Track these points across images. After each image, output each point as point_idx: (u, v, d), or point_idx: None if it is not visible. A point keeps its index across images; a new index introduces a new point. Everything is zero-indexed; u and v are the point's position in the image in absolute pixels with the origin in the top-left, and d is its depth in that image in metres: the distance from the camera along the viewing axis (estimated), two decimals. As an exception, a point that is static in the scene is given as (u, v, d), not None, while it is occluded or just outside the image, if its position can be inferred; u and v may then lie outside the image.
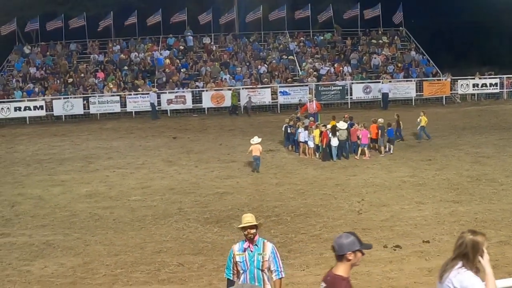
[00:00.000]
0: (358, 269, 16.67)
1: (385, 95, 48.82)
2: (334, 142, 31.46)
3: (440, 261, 16.75)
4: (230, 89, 49.72)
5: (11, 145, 39.18)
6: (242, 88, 49.54)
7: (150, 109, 47.79)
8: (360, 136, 31.88)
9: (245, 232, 10.87)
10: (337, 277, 7.71)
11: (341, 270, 7.74)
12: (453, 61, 59.29)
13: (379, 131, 32.59)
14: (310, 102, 41.09)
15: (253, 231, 10.82)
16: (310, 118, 35.92)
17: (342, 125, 31.95)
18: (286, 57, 55.39)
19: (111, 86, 50.37)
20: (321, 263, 17.49)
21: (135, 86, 50.84)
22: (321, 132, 31.80)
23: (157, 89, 48.97)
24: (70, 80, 51.56)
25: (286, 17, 58.95)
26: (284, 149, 34.30)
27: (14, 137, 42.13)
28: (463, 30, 63.94)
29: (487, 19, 62.84)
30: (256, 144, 29.97)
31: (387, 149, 32.68)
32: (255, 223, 10.88)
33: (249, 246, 10.90)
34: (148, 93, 48.77)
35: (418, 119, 35.74)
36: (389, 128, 33.12)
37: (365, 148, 31.87)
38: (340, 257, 7.72)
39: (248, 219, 10.90)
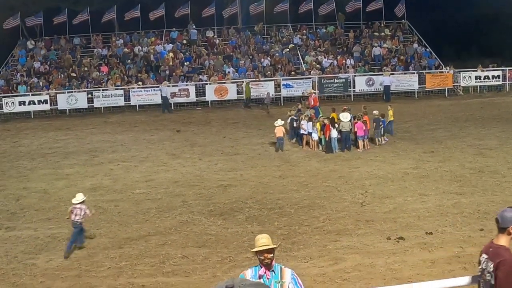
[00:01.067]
0: (361, 260, 16.95)
1: (386, 88, 48.90)
2: (333, 133, 31.60)
3: (443, 252, 17.08)
4: (234, 82, 49.94)
5: (16, 139, 39.31)
6: (247, 82, 49.56)
7: (162, 102, 48.01)
8: (355, 129, 31.96)
9: (261, 257, 9.26)
10: (500, 246, 8.13)
11: (503, 241, 8.17)
12: (456, 54, 59.32)
13: (374, 123, 32.66)
14: (309, 96, 41.57)
15: (270, 255, 9.22)
16: (311, 110, 36.18)
17: (345, 116, 31.96)
18: (287, 49, 55.47)
19: (112, 82, 50.36)
20: (324, 255, 17.67)
21: (138, 79, 50.89)
22: (324, 125, 31.88)
23: (167, 82, 49.00)
24: (74, 74, 51.67)
25: (289, 10, 58.93)
26: (287, 142, 34.29)
27: (18, 131, 42.29)
28: (466, 23, 63.80)
29: (489, 11, 62.76)
30: (279, 126, 32.03)
31: (383, 141, 32.86)
32: (272, 245, 9.36)
33: (265, 273, 9.27)
34: (152, 87, 49.14)
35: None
36: (382, 119, 33.16)
37: (360, 140, 31.87)
38: (503, 230, 8.16)
39: (264, 240, 9.34)
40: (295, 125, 34.32)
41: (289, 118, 35.33)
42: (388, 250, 17.83)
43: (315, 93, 44.25)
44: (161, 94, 48.14)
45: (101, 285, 16.42)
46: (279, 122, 32.81)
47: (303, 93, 47.99)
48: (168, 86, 48.72)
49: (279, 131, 32.42)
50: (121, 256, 18.42)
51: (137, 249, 18.97)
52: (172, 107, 48.52)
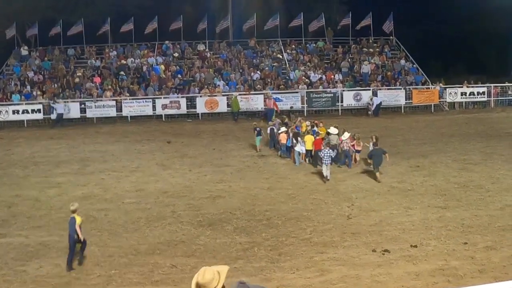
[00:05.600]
0: (347, 272, 17.24)
1: (377, 106, 49.17)
2: (297, 147, 32.37)
3: (427, 265, 17.42)
4: (224, 95, 50.37)
5: (8, 147, 39.30)
6: (239, 95, 49.83)
7: (56, 118, 47.76)
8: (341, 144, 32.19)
9: None
10: None
11: None
12: (442, 70, 59.84)
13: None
14: (268, 99, 46.31)
15: None
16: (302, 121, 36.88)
17: (333, 130, 32.22)
18: (277, 63, 55.97)
19: (109, 94, 50.49)
20: (310, 266, 17.91)
21: (130, 90, 51.16)
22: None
23: (63, 100, 48.97)
24: (71, 83, 51.88)
25: (279, 26, 59.34)
26: (276, 154, 34.51)
27: (12, 139, 42.22)
28: (452, 40, 64.44)
29: (475, 29, 63.38)
30: (282, 132, 33.90)
31: None
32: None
33: None
34: (144, 99, 49.61)
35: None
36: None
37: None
38: None
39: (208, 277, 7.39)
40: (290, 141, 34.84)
41: (269, 128, 36.56)
42: (373, 262, 18.10)
43: (272, 97, 47.86)
44: (56, 112, 47.89)
45: (91, 293, 16.64)
46: (283, 129, 34.26)
47: (291, 107, 48.66)
48: (65, 102, 48.85)
49: (283, 138, 33.61)
50: (111, 264, 18.60)
51: (126, 258, 19.15)
52: (163, 119, 48.79)
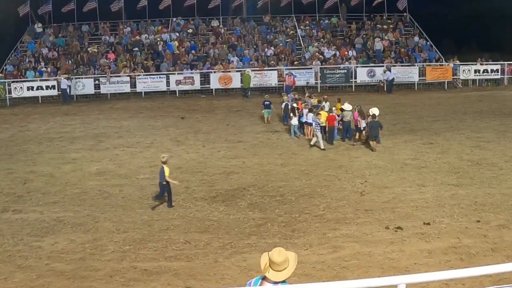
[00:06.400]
0: (360, 249, 17.29)
1: (390, 81, 49.11)
2: (294, 121, 33.01)
3: (440, 243, 17.44)
4: (238, 71, 50.40)
5: (23, 123, 39.53)
6: (252, 70, 49.84)
7: (61, 94, 47.96)
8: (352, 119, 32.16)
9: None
10: None
11: None
12: (456, 47, 59.48)
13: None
14: (288, 76, 46.59)
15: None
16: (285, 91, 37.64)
17: (347, 106, 32.13)
18: (291, 39, 55.88)
19: (120, 69, 50.59)
20: (324, 243, 17.95)
21: (145, 67, 51.24)
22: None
23: (68, 76, 49.00)
24: (82, 60, 52.02)
25: (293, 1, 59.16)
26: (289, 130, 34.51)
27: (26, 115, 42.48)
28: (466, 17, 63.92)
29: (490, 7, 62.76)
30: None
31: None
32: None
33: None
34: (158, 74, 49.68)
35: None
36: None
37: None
38: None
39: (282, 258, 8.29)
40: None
41: (283, 103, 36.44)
42: (386, 239, 18.10)
43: (287, 74, 47.99)
44: (60, 87, 48.03)
45: (105, 268, 16.64)
46: (295, 105, 34.43)
47: (307, 83, 48.65)
48: (69, 79, 48.59)
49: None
50: (125, 240, 18.71)
51: (140, 233, 19.26)
52: (177, 95, 48.91)
